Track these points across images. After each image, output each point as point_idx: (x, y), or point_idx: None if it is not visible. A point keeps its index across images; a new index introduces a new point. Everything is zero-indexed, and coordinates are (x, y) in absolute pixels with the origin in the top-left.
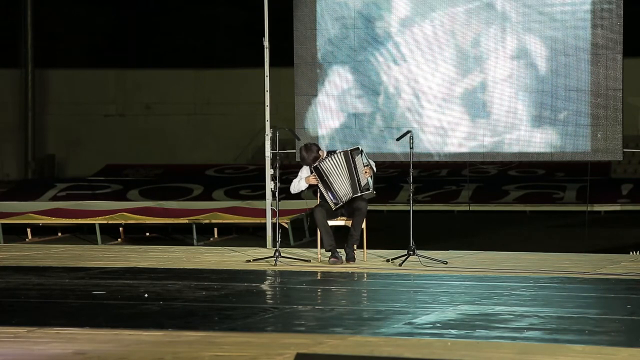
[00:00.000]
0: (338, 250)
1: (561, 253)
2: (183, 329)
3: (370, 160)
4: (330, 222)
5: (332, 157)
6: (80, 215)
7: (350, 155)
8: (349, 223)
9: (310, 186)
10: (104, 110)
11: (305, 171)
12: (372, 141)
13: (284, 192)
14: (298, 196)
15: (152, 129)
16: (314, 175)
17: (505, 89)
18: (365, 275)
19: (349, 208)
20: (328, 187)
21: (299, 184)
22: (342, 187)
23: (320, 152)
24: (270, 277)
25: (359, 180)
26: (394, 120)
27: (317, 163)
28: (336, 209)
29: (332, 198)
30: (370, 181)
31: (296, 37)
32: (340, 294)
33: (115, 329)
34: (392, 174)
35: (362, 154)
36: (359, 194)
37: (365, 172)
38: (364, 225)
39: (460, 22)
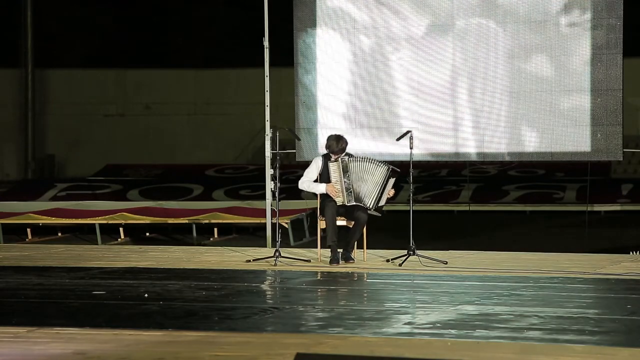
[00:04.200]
0: (338, 250)
1: (561, 253)
2: (183, 329)
3: None
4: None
5: (370, 163)
6: (80, 215)
7: (389, 174)
8: (350, 224)
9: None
10: (104, 110)
11: (314, 168)
12: (372, 141)
13: (284, 192)
14: (298, 196)
15: (152, 129)
16: (336, 168)
17: (505, 88)
18: (365, 275)
19: (349, 213)
20: (347, 185)
21: (316, 187)
22: (360, 193)
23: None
24: (270, 277)
25: (379, 199)
26: (394, 120)
27: (346, 158)
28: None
29: (344, 196)
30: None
31: (296, 37)
32: (340, 294)
33: (115, 329)
34: None
35: (396, 179)
36: (369, 209)
37: (388, 195)
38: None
39: (460, 21)
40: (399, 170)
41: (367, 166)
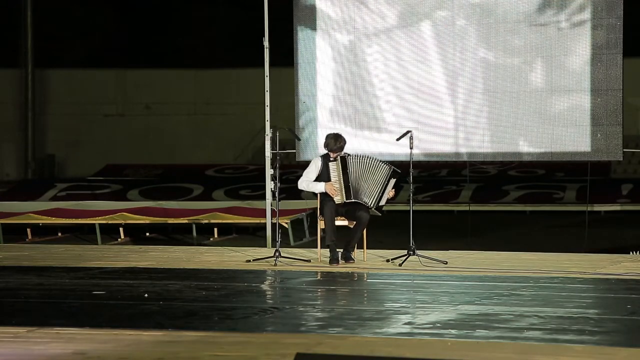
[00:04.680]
0: (337, 250)
1: (561, 253)
2: (183, 329)
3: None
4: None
5: (370, 161)
6: (80, 215)
7: (390, 175)
8: (352, 224)
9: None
10: (104, 110)
11: (313, 168)
12: (371, 141)
13: (284, 192)
14: (298, 196)
15: (152, 129)
16: (335, 167)
17: (505, 88)
18: (365, 275)
19: (350, 212)
20: (345, 182)
21: (315, 186)
22: (359, 190)
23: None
24: (270, 277)
25: (380, 199)
26: (393, 120)
27: (345, 155)
28: (337, 206)
29: (342, 193)
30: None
31: (296, 37)
32: (340, 294)
33: (115, 329)
34: None
35: (397, 180)
36: (369, 208)
37: (389, 195)
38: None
39: (461, 21)
40: (399, 171)
41: (367, 164)
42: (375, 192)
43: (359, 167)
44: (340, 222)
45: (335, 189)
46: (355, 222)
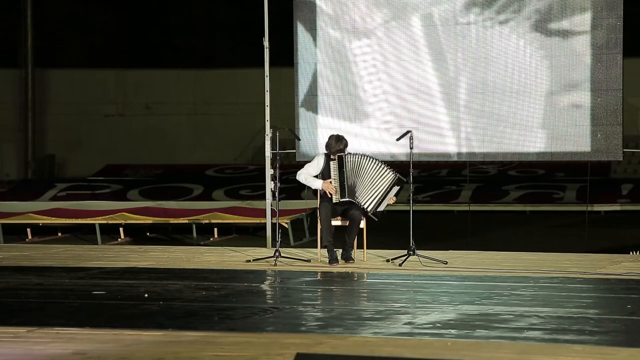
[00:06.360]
0: (335, 249)
1: (561, 253)
2: (183, 329)
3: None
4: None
5: (370, 162)
6: (80, 215)
7: (394, 181)
8: (346, 223)
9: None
10: (104, 110)
11: (315, 165)
12: (372, 141)
13: (284, 192)
14: (298, 196)
15: (152, 129)
16: (334, 166)
17: (505, 88)
18: (365, 275)
19: (345, 212)
20: (341, 181)
21: (312, 182)
22: (355, 189)
23: (346, 149)
24: (270, 277)
25: (379, 204)
26: (394, 120)
27: (345, 154)
28: (334, 205)
29: (338, 192)
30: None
31: (296, 37)
32: (340, 294)
33: (115, 329)
34: None
35: (400, 188)
36: (366, 211)
37: (389, 201)
38: (363, 225)
39: (461, 22)
40: (405, 179)
41: (365, 164)
42: (373, 194)
43: (355, 167)
44: (336, 222)
45: (332, 187)
46: (348, 222)
